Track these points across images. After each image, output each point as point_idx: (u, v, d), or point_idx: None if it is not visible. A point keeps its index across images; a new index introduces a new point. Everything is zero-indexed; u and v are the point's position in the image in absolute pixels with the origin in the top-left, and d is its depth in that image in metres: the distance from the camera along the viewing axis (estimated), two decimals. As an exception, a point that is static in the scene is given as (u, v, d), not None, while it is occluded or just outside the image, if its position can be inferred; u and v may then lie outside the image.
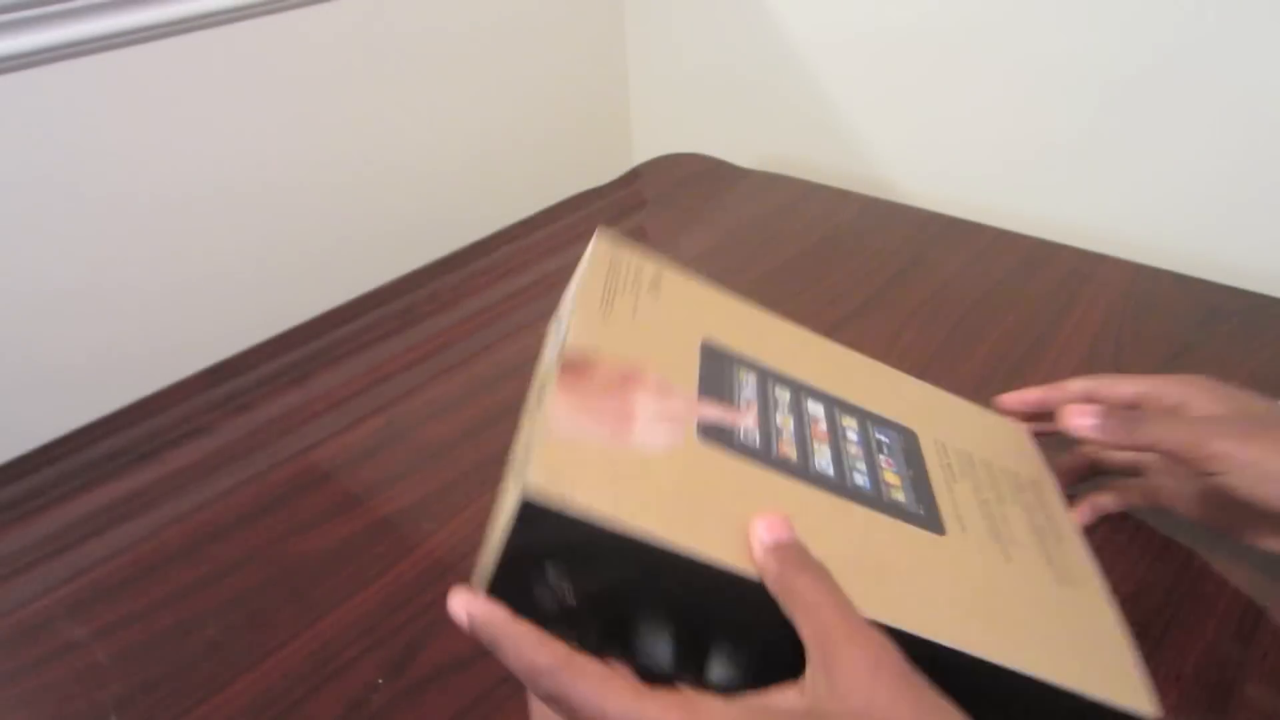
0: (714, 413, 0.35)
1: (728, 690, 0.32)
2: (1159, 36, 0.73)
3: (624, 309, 0.37)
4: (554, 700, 0.31)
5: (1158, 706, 0.34)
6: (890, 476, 0.38)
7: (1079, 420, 0.43)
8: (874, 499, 0.37)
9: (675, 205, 0.92)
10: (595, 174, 0.96)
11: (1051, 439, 0.48)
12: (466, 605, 0.32)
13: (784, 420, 0.37)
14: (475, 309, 0.77)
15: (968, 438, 0.45)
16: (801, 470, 0.35)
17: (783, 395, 0.39)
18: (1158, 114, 0.75)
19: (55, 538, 0.56)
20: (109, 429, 0.66)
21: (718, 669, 0.33)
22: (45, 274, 0.62)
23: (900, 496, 0.38)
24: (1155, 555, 0.48)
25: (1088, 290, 0.71)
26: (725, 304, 0.43)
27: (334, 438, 0.62)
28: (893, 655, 0.30)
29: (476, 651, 0.46)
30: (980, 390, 0.51)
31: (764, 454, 0.35)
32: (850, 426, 0.40)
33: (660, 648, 0.32)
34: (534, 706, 0.36)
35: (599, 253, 0.40)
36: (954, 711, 0.30)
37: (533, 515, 0.29)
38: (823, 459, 0.37)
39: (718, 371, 0.38)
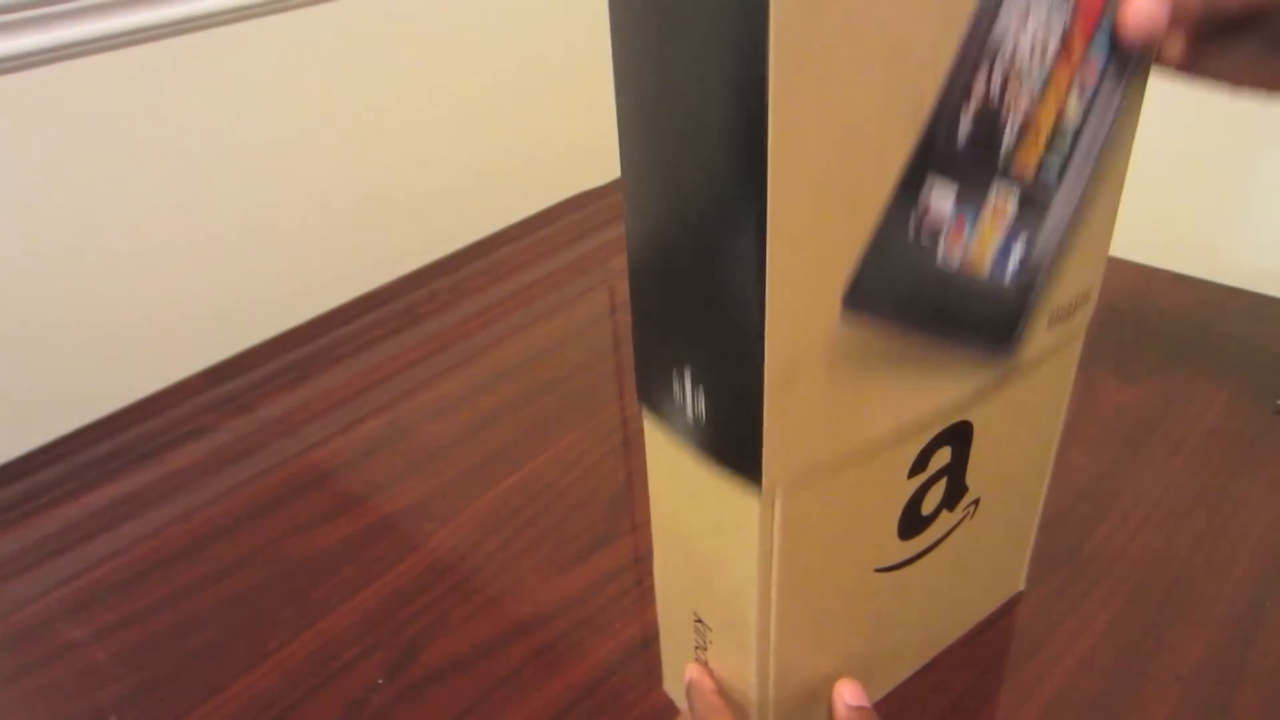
0: None
1: None
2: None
3: None
4: None
5: None
6: None
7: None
8: None
9: (675, 205, 0.92)
10: (595, 174, 0.96)
11: None
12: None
13: None
14: (475, 309, 0.77)
15: None
16: None
17: None
18: (1157, 113, 0.75)
19: (55, 538, 0.56)
20: (109, 429, 0.66)
21: None
22: (43, 275, 0.62)
23: None
24: (1155, 555, 0.48)
25: (1088, 290, 0.71)
26: None
27: (334, 438, 0.62)
28: None
29: (476, 651, 0.46)
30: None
31: None
32: None
33: None
34: None
35: None
36: None
37: None
38: None
39: None
